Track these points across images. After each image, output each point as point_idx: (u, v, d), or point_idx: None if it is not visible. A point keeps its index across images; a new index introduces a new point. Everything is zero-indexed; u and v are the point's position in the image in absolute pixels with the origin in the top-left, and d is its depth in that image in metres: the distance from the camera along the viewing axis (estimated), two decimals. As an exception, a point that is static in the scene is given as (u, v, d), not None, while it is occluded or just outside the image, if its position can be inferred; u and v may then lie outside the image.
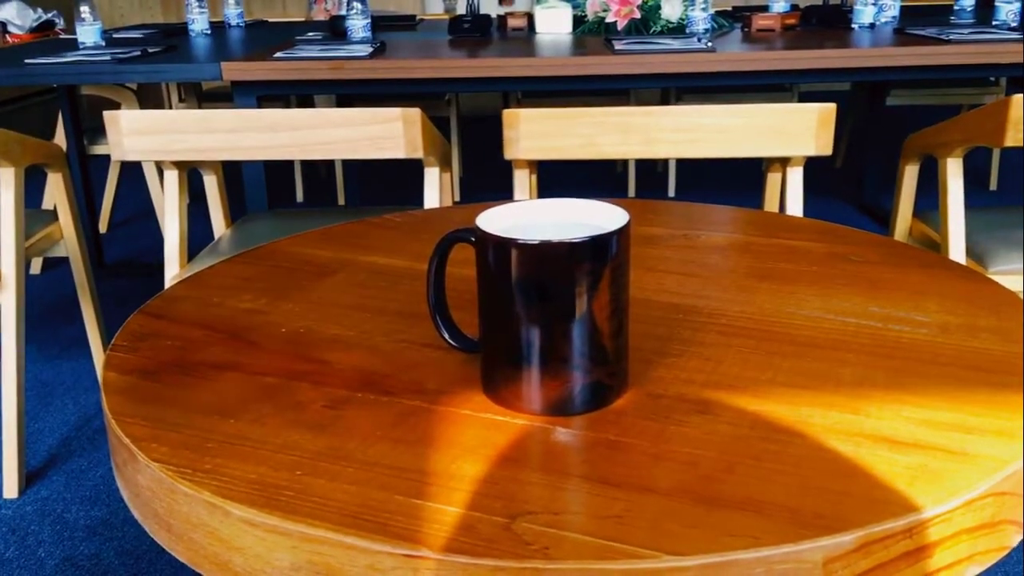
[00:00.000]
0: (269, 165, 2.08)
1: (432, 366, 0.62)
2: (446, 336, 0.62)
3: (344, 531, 0.44)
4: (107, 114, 1.38)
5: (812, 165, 1.49)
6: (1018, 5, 2.37)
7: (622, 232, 0.53)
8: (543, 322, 0.53)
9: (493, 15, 2.86)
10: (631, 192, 3.45)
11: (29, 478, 1.78)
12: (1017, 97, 1.37)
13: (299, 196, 3.73)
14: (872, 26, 2.45)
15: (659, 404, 0.56)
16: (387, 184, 3.91)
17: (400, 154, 1.42)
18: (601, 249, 0.53)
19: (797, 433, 0.52)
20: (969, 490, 0.46)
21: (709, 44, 2.13)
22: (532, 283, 0.53)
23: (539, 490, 0.47)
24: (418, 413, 0.55)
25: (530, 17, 2.64)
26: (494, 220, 0.56)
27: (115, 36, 2.81)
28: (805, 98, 1.44)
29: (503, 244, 0.52)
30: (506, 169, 1.45)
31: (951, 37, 2.12)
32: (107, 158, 3.10)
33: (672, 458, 0.50)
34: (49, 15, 3.55)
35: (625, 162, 3.68)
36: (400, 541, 0.43)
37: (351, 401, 0.57)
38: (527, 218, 0.59)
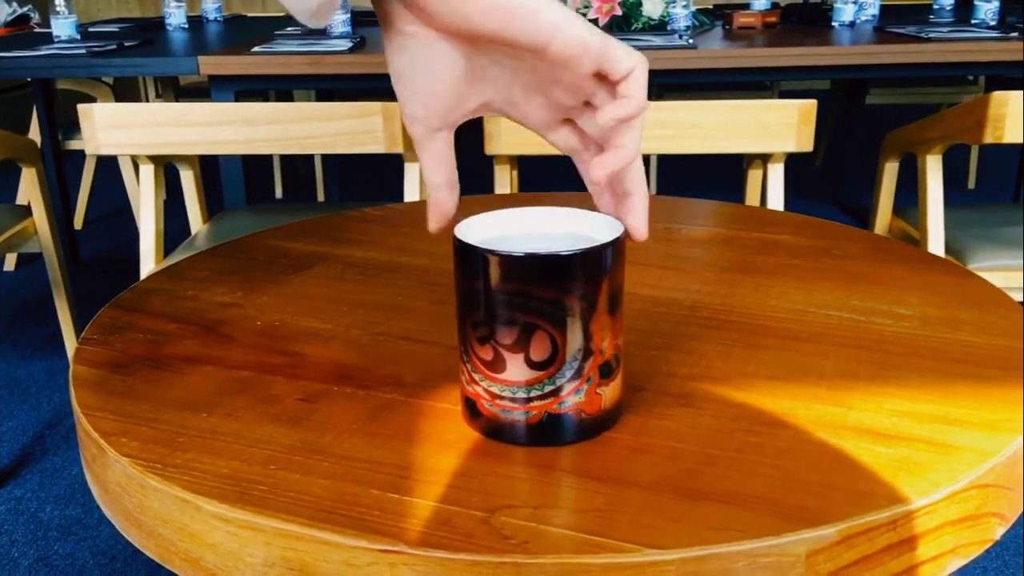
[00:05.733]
0: (247, 161, 2.06)
1: (410, 359, 0.61)
2: None
3: (319, 526, 0.43)
4: (81, 107, 1.36)
5: (792, 164, 1.49)
6: (997, 4, 2.39)
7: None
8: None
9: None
10: (612, 190, 3.44)
11: (3, 477, 1.75)
12: (997, 94, 1.38)
13: (278, 192, 3.70)
14: (852, 24, 2.46)
15: (641, 397, 0.55)
16: (367, 181, 3.89)
17: (380, 149, 1.40)
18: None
19: (780, 425, 0.51)
20: (953, 482, 0.46)
21: (690, 41, 2.13)
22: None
23: (519, 484, 0.46)
24: (395, 407, 0.54)
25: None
26: (479, 229, 0.52)
27: (91, 30, 2.77)
28: (785, 97, 1.44)
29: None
30: (487, 165, 1.44)
31: (931, 35, 2.13)
32: (83, 153, 3.07)
33: (654, 451, 0.49)
34: (24, 9, 3.50)
35: (606, 160, 3.67)
36: (376, 536, 0.42)
37: (327, 395, 0.56)
38: (513, 228, 0.54)
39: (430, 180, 0.53)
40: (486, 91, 0.51)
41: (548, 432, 0.50)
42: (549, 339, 0.48)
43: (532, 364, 0.48)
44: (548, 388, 0.49)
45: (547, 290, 0.47)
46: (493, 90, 0.51)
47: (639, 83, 0.48)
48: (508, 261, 0.47)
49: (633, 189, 0.51)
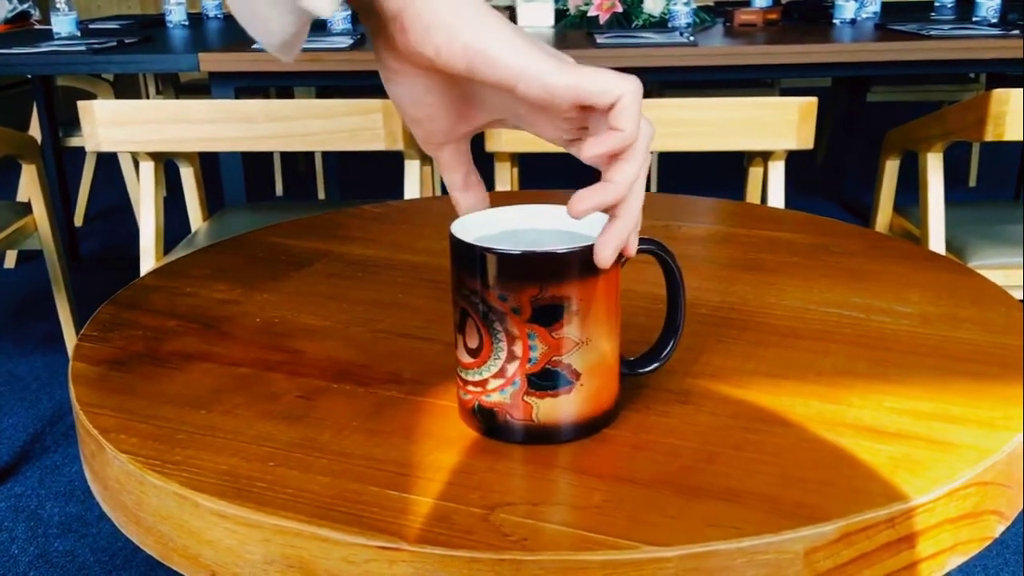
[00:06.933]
0: (248, 159, 2.06)
1: (409, 356, 0.61)
2: None
3: (318, 523, 0.43)
4: (81, 104, 1.36)
5: (793, 161, 1.49)
6: (998, 1, 2.39)
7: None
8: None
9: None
10: (613, 187, 3.43)
11: (3, 474, 1.75)
12: (997, 92, 1.38)
13: (278, 190, 3.70)
14: (853, 22, 2.46)
15: (640, 394, 0.55)
16: (368, 178, 3.89)
17: (380, 146, 1.40)
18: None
19: (779, 423, 0.51)
20: (952, 480, 0.46)
21: (691, 38, 2.13)
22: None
23: (518, 481, 0.46)
24: (394, 404, 0.54)
25: (512, 11, 2.63)
26: (474, 227, 0.52)
27: (91, 27, 2.77)
28: (786, 95, 1.44)
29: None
30: (487, 162, 1.44)
31: (931, 33, 2.12)
32: (83, 150, 3.06)
33: (653, 448, 0.49)
34: (24, 6, 3.50)
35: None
36: (375, 533, 0.42)
37: (326, 392, 0.56)
38: (507, 225, 0.54)
39: (446, 183, 0.54)
40: (491, 110, 0.51)
41: (480, 421, 0.51)
42: (476, 329, 0.49)
43: (466, 349, 0.50)
44: (477, 377, 0.50)
45: (472, 281, 0.48)
46: (499, 109, 0.50)
47: (627, 113, 0.43)
48: (453, 243, 0.49)
49: (619, 214, 0.47)
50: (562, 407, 0.49)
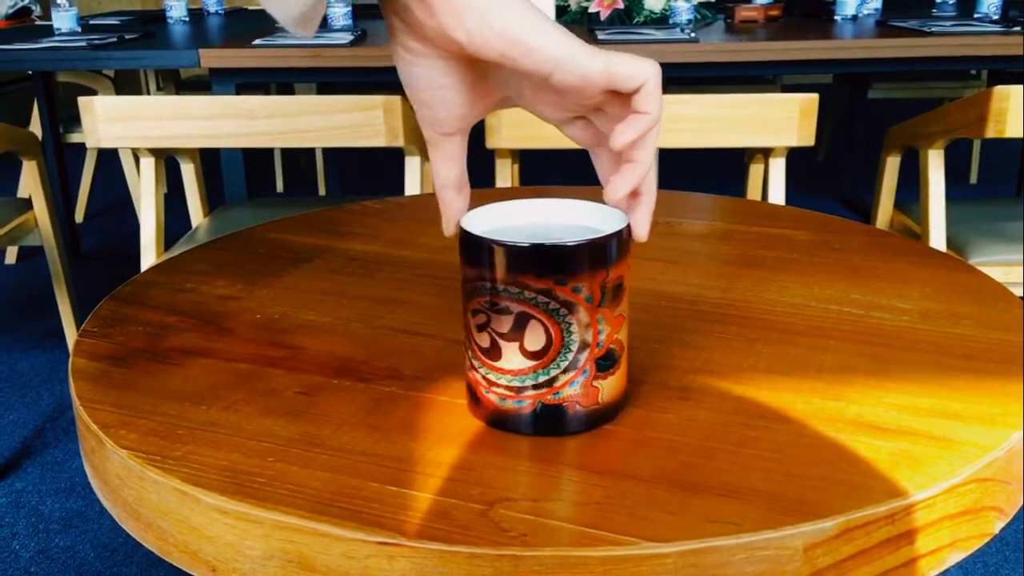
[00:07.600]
0: (248, 155, 2.06)
1: (409, 352, 0.61)
2: None
3: (317, 518, 0.43)
4: (82, 100, 1.36)
5: (794, 158, 1.48)
6: (999, -2, 2.38)
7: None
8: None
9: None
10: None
11: (3, 470, 1.76)
12: (999, 89, 1.38)
13: (279, 186, 3.70)
14: (855, 18, 2.45)
15: (640, 390, 0.55)
16: (368, 174, 3.89)
17: (380, 142, 1.40)
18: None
19: (779, 419, 0.51)
20: (951, 476, 0.46)
21: (692, 35, 2.13)
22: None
23: (517, 477, 0.46)
24: (394, 399, 0.54)
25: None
26: (488, 218, 0.52)
27: (91, 23, 2.77)
28: (788, 91, 1.44)
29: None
30: (488, 158, 1.44)
31: (933, 29, 2.12)
32: (84, 146, 3.06)
33: (653, 444, 0.49)
34: (25, 2, 3.50)
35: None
36: (375, 528, 0.42)
37: (326, 387, 0.56)
38: (520, 219, 0.54)
39: (438, 179, 0.53)
40: (499, 90, 0.51)
41: (542, 422, 0.50)
42: (543, 329, 0.48)
43: (526, 353, 0.49)
44: (542, 378, 0.49)
45: (539, 281, 0.47)
46: (506, 88, 0.51)
47: (653, 96, 0.46)
48: (502, 250, 0.47)
49: (643, 190, 0.50)
50: (617, 382, 0.51)
